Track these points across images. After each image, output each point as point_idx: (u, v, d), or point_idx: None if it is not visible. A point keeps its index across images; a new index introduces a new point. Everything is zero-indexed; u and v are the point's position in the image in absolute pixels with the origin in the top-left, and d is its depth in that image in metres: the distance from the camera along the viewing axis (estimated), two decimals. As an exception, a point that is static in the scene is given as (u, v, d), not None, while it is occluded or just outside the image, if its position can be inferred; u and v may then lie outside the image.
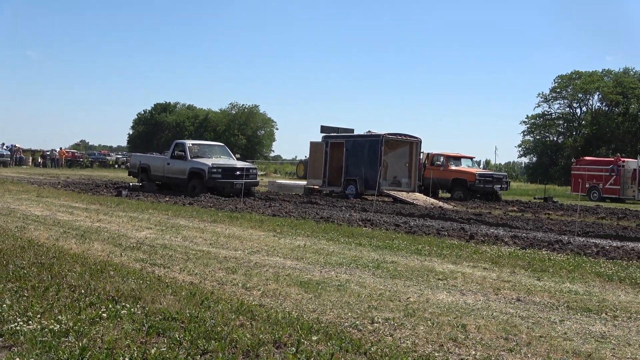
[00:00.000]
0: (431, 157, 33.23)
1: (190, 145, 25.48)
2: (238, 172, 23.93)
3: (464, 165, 33.05)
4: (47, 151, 66.86)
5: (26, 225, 11.87)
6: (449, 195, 32.72)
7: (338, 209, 20.76)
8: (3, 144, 61.63)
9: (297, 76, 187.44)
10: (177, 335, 5.02)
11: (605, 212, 24.80)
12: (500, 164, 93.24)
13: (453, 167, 32.42)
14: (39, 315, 5.33)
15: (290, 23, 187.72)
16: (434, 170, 32.24)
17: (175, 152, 25.23)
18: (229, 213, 16.55)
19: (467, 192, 31.23)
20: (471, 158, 34.55)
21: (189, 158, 24.48)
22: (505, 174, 37.72)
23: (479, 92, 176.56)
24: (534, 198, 34.96)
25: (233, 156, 26.35)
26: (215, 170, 23.54)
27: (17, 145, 62.72)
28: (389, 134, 28.32)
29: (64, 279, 6.81)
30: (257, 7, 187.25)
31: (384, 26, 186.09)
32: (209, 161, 24.08)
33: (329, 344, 5.04)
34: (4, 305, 5.55)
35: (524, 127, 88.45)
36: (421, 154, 30.54)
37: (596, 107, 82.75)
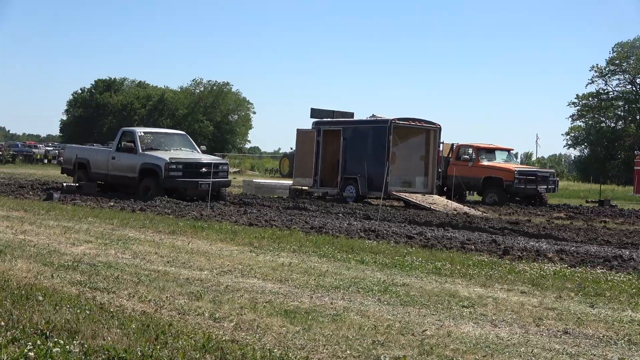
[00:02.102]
0: (456, 150, 33.11)
1: (142, 134, 25.40)
2: (204, 169, 23.89)
3: (499, 160, 32.97)
4: (-44, 142, 66.67)
5: None
6: (479, 198, 32.69)
7: (333, 216, 20.79)
8: None
9: (281, 47, 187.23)
10: (125, 380, 5.03)
11: (678, 219, 24.89)
12: (543, 157, 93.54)
13: (485, 163, 32.28)
14: (-55, 356, 5.33)
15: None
16: (461, 167, 32.13)
17: (123, 143, 25.13)
18: (192, 222, 16.55)
19: (504, 195, 31.09)
20: (508, 150, 34.47)
21: (141, 151, 24.40)
22: (553, 170, 37.71)
23: (515, 67, 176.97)
24: (586, 201, 35.05)
25: (197, 148, 26.30)
26: (174, 166, 23.48)
27: None
28: (399, 119, 28.33)
29: (-22, 308, 6.80)
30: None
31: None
32: (166, 155, 24.03)
33: (321, 390, 5.06)
34: None
35: (573, 110, 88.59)
36: (441, 145, 30.53)
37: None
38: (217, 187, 24.18)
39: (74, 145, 34.08)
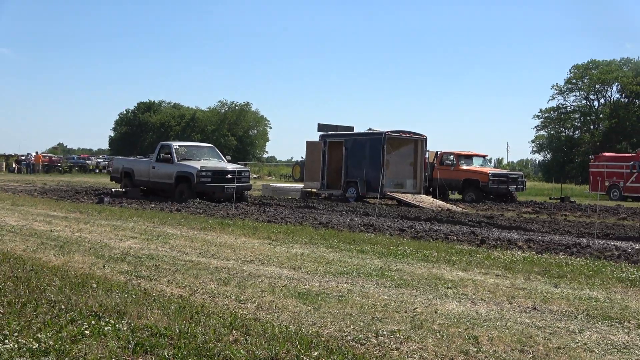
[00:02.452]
0: (440, 156, 33.17)
1: (177, 147, 25.47)
2: (229, 176, 23.92)
3: (476, 165, 33.02)
4: (22, 156, 66.82)
5: (1, 237, 11.87)
6: (460, 197, 32.70)
7: (338, 213, 20.77)
8: (-26, 149, 61.63)
9: (292, 72, 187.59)
10: (165, 353, 5.02)
11: (627, 212, 24.83)
12: (512, 161, 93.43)
13: (464, 167, 32.37)
14: (16, 334, 5.33)
15: (284, 16, 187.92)
16: (444, 170, 32.22)
17: (161, 154, 25.20)
18: (220, 220, 16.55)
19: (480, 194, 31.18)
20: (483, 156, 34.54)
21: (176, 161, 24.46)
22: (521, 173, 37.70)
23: (488, 85, 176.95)
24: (550, 198, 34.99)
25: (223, 158, 26.32)
26: (204, 173, 23.53)
27: (-11, 149, 62.62)
28: (391, 131, 28.34)
29: (42, 294, 6.81)
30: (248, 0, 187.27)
31: (384, 19, 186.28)
32: (197, 164, 24.07)
33: (330, 359, 5.04)
34: (-22, 324, 5.56)
35: (537, 122, 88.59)
36: (427, 153, 30.55)
37: (615, 99, 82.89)
38: (240, 190, 24.20)
39: (120, 157, 34.13)
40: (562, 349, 5.59)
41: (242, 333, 5.64)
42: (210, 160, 25.25)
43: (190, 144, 28.09)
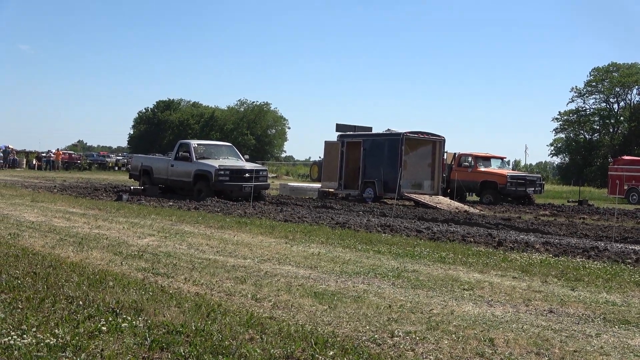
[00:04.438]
0: (458, 158, 33.08)
1: (196, 145, 25.54)
2: (247, 174, 23.95)
3: (494, 167, 32.91)
4: (43, 153, 67.25)
5: (20, 232, 11.94)
6: (477, 198, 32.59)
7: (355, 213, 20.76)
8: (-5, 145, 62.07)
9: (311, 71, 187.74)
10: (181, 350, 5.04)
11: (646, 216, 24.64)
12: (530, 164, 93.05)
13: (482, 169, 32.27)
14: (34, 329, 5.37)
15: (303, 14, 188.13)
16: (461, 172, 32.14)
17: (180, 153, 25.29)
18: (237, 218, 16.58)
19: (498, 196, 31.07)
20: (502, 158, 34.41)
21: (195, 159, 24.53)
22: (539, 175, 37.46)
23: (508, 88, 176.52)
24: (568, 201, 34.78)
25: (242, 157, 26.36)
26: (222, 172, 23.57)
27: (10, 146, 63.07)
28: (410, 132, 28.29)
29: (60, 290, 6.85)
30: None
31: (406, 19, 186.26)
32: (215, 162, 24.12)
33: (345, 359, 5.04)
34: (-3, 318, 5.60)
35: (556, 125, 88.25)
36: (445, 154, 30.47)
37: (635, 102, 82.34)
38: (258, 189, 24.24)
39: (140, 155, 34.26)
40: (578, 353, 5.56)
41: (258, 332, 5.65)
42: (229, 159, 25.30)
43: (209, 143, 28.17)
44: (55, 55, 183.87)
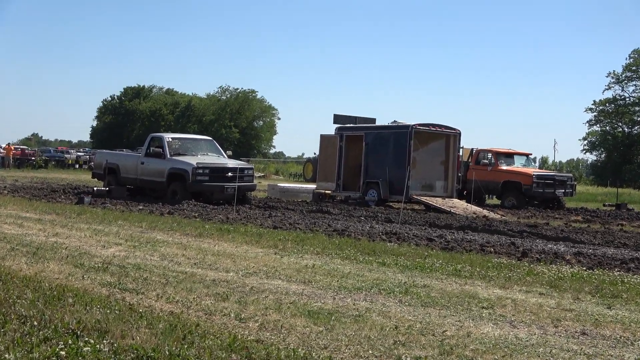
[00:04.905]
0: (476, 155, 33.03)
1: (170, 139, 25.46)
2: (230, 174, 23.90)
3: (518, 165, 32.87)
4: (-10, 148, 67.15)
5: (-36, 241, 11.93)
6: (498, 201, 32.57)
7: (356, 219, 20.77)
8: None
9: (305, 54, 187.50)
10: (153, 379, 5.04)
11: (694, 222, 24.70)
12: (560, 161, 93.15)
13: (504, 167, 32.19)
14: (-20, 354, 5.36)
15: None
16: (480, 171, 32.06)
17: (151, 148, 25.18)
18: (218, 225, 16.59)
19: (522, 199, 31.01)
20: (527, 155, 34.39)
21: (169, 156, 24.43)
22: (571, 174, 37.47)
23: (531, 73, 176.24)
24: (604, 205, 34.83)
25: (224, 153, 26.30)
26: (201, 171, 23.52)
27: (-48, 140, 62.92)
28: (420, 124, 28.28)
29: (11, 308, 6.84)
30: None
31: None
32: (193, 160, 24.06)
33: (344, 389, 5.05)
34: (-62, 341, 5.59)
35: (589, 116, 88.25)
36: (461, 150, 30.47)
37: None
38: (242, 191, 24.21)
39: (104, 150, 34.15)
40: (615, 381, 5.57)
41: (243, 357, 5.66)
42: (208, 156, 25.24)
43: (185, 137, 28.14)
44: (5, 37, 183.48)
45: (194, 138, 28.41)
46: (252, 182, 25.49)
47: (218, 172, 23.88)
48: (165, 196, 24.05)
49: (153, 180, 24.97)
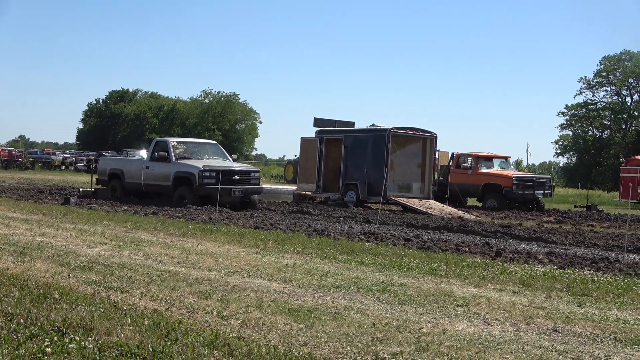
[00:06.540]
0: (456, 159, 32.95)
1: (175, 143, 24.72)
2: (236, 177, 23.36)
3: (497, 167, 32.89)
4: (-23, 149, 66.73)
5: (-48, 241, 11.86)
6: (479, 204, 32.56)
7: (335, 219, 20.79)
8: None
9: (285, 58, 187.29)
10: (137, 375, 5.02)
11: (662, 223, 24.87)
12: (533, 164, 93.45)
13: (484, 170, 32.17)
14: (-33, 351, 5.33)
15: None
16: (460, 175, 32.04)
17: (156, 153, 24.39)
18: (201, 225, 16.56)
19: (503, 200, 31.02)
20: (505, 158, 34.35)
21: (174, 160, 23.91)
22: (549, 176, 37.50)
23: (506, 78, 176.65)
24: (574, 206, 34.98)
25: (229, 157, 25.67)
26: (207, 174, 22.82)
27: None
28: (397, 128, 28.34)
29: (-2, 306, 6.81)
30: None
31: (391, 2, 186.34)
32: (199, 163, 23.40)
33: (323, 384, 5.06)
34: None
35: (562, 120, 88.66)
36: (437, 153, 30.51)
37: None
38: (249, 193, 23.79)
39: (108, 156, 33.56)
40: (585, 377, 5.61)
41: (225, 353, 5.65)
42: (214, 159, 24.53)
43: (190, 141, 27.74)
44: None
45: (199, 142, 27.96)
46: (259, 184, 24.97)
47: (225, 175, 23.02)
48: (172, 200, 23.40)
49: (159, 185, 24.27)
